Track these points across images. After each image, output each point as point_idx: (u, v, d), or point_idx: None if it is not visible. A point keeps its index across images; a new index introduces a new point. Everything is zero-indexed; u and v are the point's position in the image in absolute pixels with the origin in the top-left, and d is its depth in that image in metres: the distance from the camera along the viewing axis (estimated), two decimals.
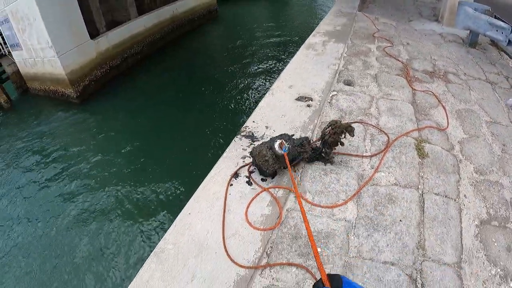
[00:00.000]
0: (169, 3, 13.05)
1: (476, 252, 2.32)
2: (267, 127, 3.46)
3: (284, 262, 2.12)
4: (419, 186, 2.79)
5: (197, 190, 2.68)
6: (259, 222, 2.37)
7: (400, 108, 3.92)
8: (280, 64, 10.82)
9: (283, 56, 11.66)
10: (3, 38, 9.79)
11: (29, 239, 5.36)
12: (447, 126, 3.68)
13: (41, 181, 6.64)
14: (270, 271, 2.09)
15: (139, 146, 7.45)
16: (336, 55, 5.29)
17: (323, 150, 2.89)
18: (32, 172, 6.95)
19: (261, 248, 2.20)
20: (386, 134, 3.40)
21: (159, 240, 2.28)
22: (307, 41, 5.92)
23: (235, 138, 3.29)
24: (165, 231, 2.37)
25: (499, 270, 2.21)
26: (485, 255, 2.30)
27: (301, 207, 1.01)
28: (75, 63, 9.12)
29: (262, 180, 2.74)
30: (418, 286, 2.04)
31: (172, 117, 8.52)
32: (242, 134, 3.34)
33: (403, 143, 3.29)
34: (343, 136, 2.79)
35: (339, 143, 2.83)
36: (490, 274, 2.18)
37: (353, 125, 3.53)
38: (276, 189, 2.66)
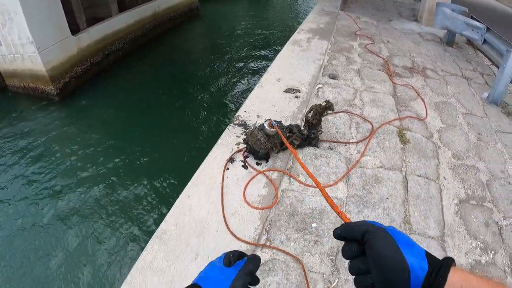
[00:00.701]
0: (150, 1, 12.94)
1: (457, 227, 2.53)
2: (258, 116, 3.58)
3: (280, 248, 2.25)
4: (402, 169, 3.00)
5: (194, 174, 2.77)
6: (257, 202, 2.49)
7: (382, 100, 4.15)
8: (264, 61, 10.90)
9: (266, 53, 11.76)
10: None
11: (14, 233, 5.22)
12: (426, 117, 3.93)
13: (21, 179, 6.46)
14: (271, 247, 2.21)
15: (121, 142, 7.33)
16: (321, 51, 5.49)
17: (310, 132, 3.06)
18: (12, 169, 6.75)
19: (260, 225, 2.32)
20: (370, 122, 3.61)
21: (147, 235, 2.29)
22: (292, 38, 6.09)
23: (228, 127, 3.39)
24: (157, 225, 2.37)
25: (479, 243, 2.42)
26: (465, 229, 2.51)
27: (302, 165, 1.12)
28: (56, 60, 8.88)
29: (257, 164, 2.86)
30: None
31: (155, 114, 8.43)
32: (235, 122, 3.45)
33: (386, 131, 3.50)
34: (325, 113, 2.99)
35: (322, 117, 3.03)
36: (471, 247, 2.39)
37: (339, 114, 3.75)
38: (271, 172, 2.78)
